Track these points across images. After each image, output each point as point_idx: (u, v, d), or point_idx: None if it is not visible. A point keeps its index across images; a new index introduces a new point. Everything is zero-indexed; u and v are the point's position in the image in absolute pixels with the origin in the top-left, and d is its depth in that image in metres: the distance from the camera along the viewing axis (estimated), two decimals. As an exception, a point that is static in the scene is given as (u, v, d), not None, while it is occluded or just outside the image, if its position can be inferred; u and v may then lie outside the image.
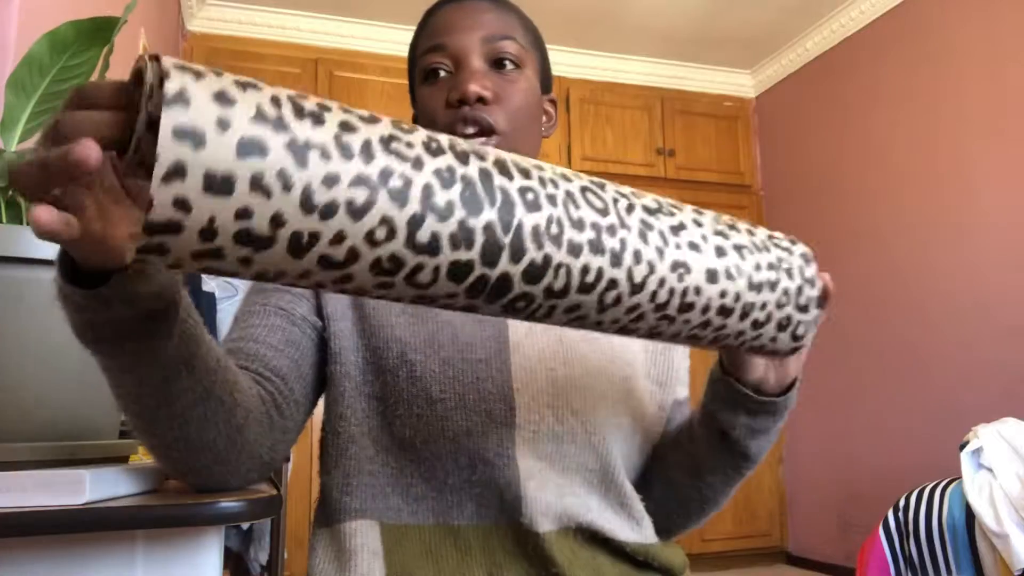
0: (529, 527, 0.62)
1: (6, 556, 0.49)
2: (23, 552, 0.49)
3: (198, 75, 0.33)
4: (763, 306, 0.52)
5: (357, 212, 0.36)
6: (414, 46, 0.75)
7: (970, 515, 1.91)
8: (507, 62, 0.70)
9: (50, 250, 0.55)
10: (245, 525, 1.74)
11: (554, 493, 0.64)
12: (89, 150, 0.33)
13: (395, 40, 3.39)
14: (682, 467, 0.71)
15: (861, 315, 3.23)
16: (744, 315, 0.51)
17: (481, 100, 0.68)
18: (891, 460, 3.04)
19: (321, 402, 0.71)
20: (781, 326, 0.54)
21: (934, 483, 2.09)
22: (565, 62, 3.60)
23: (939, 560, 1.96)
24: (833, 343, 3.34)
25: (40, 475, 0.49)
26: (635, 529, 0.68)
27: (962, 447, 2.03)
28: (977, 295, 2.73)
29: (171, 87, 0.32)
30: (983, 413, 2.39)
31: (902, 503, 2.10)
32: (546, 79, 0.77)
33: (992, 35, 2.74)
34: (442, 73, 0.70)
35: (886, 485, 2.95)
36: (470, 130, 0.67)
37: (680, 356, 0.78)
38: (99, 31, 0.70)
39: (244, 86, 0.35)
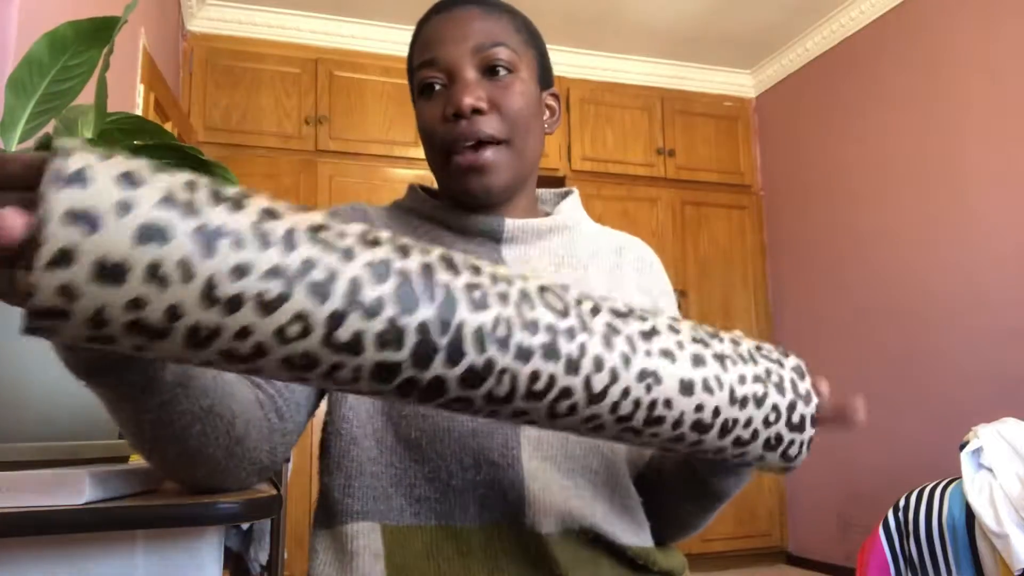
0: (532, 529, 0.62)
1: (6, 556, 0.48)
2: (23, 552, 0.49)
3: (107, 156, 0.31)
4: (748, 422, 0.47)
5: (267, 306, 0.33)
6: (410, 56, 0.76)
7: (970, 515, 1.91)
8: (500, 69, 0.70)
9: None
10: (245, 525, 1.74)
11: (559, 495, 0.64)
12: (10, 220, 0.30)
13: (395, 40, 3.39)
14: (661, 495, 0.72)
15: (861, 315, 3.23)
16: (724, 431, 0.46)
17: (477, 111, 0.68)
18: (891, 460, 3.04)
19: (322, 403, 0.71)
20: (770, 445, 0.49)
21: (934, 483, 2.09)
22: (565, 62, 3.60)
23: (939, 560, 1.96)
24: (833, 343, 3.34)
25: (40, 475, 0.49)
26: (637, 533, 0.68)
27: (962, 447, 2.03)
28: (977, 295, 2.72)
29: (70, 165, 0.30)
30: (983, 413, 2.39)
31: (902, 503, 2.10)
32: (545, 75, 0.77)
33: (991, 35, 2.74)
34: (437, 87, 0.71)
35: (886, 485, 2.95)
36: (469, 144, 0.68)
37: None
38: (99, 31, 0.70)
39: (159, 170, 0.32)
